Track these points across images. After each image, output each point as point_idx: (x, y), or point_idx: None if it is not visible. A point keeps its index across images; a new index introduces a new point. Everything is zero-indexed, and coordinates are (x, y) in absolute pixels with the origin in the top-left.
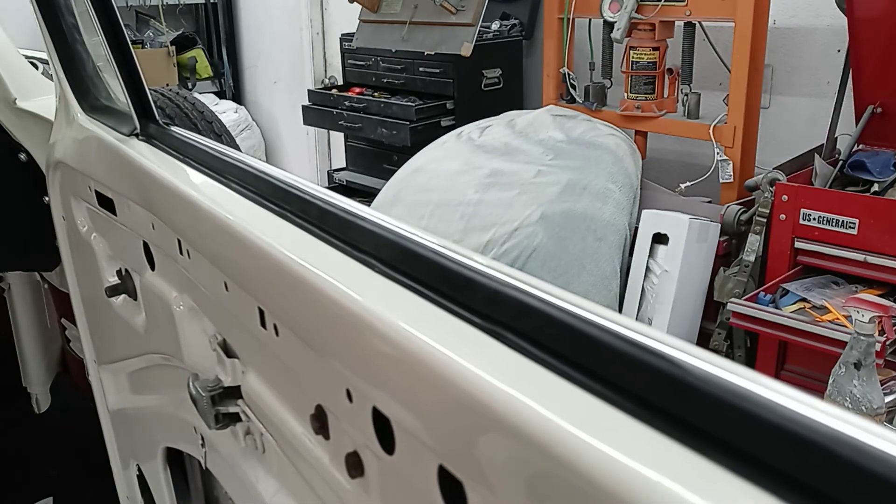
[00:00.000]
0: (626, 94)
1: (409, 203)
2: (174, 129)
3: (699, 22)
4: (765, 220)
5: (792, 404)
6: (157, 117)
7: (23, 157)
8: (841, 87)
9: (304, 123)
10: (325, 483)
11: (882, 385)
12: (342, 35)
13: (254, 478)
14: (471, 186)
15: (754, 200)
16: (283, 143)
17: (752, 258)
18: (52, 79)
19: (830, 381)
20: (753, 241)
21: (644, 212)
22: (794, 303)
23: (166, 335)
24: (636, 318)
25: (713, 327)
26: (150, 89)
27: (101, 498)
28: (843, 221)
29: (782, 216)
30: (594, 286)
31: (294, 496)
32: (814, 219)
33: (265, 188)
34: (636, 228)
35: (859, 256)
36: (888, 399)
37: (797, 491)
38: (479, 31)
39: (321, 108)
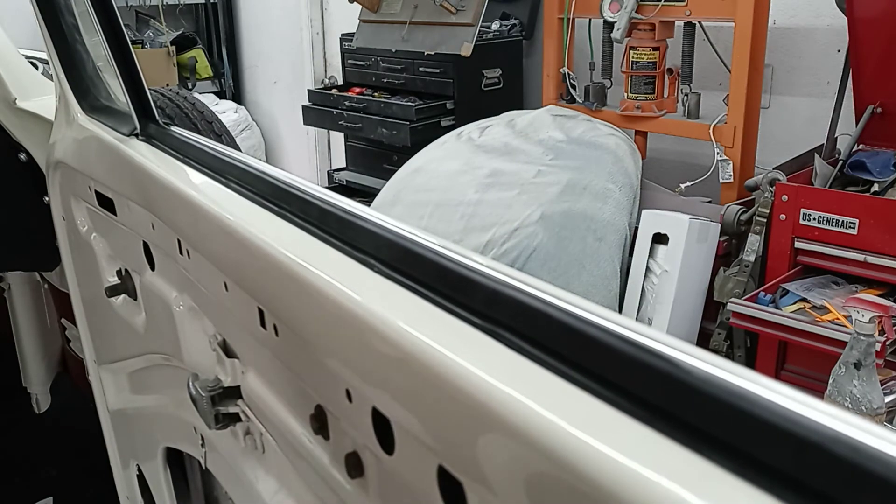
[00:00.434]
0: (626, 94)
1: (409, 203)
2: (174, 129)
3: (699, 22)
4: (765, 220)
5: (792, 404)
6: (157, 117)
7: (23, 157)
8: (841, 87)
9: (304, 123)
10: (324, 483)
11: (882, 385)
12: (342, 35)
13: (254, 478)
14: (471, 186)
15: (754, 200)
16: (283, 143)
17: (752, 258)
18: (52, 79)
19: (830, 381)
20: (753, 241)
21: (644, 212)
22: (794, 303)
23: (166, 335)
24: (636, 318)
25: (713, 327)
26: (150, 89)
27: (101, 498)
28: (843, 221)
29: (782, 216)
30: (594, 286)
31: (294, 496)
32: (814, 219)
33: (265, 188)
34: (636, 228)
35: (859, 256)
36: (888, 399)
37: (797, 491)
38: (479, 31)
39: (321, 108)
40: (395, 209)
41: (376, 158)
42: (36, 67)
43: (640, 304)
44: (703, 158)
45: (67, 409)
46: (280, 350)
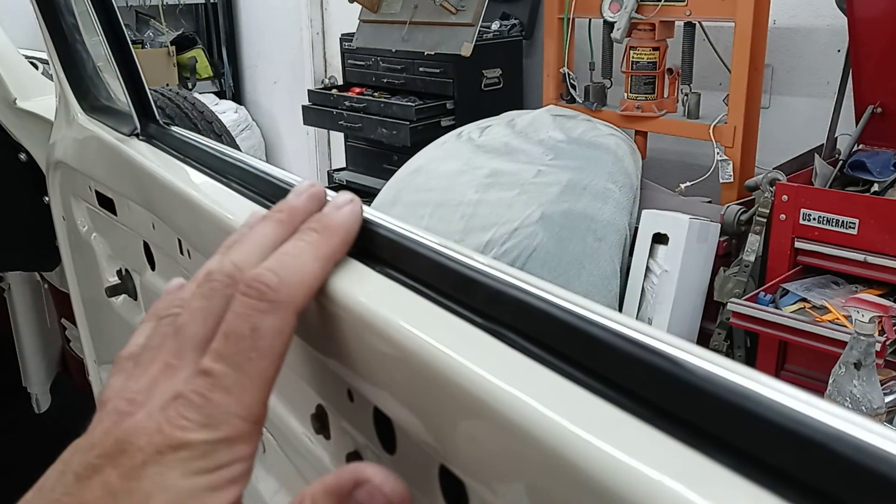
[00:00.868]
0: (626, 94)
1: (409, 203)
2: (174, 129)
3: (699, 22)
4: (765, 220)
5: (794, 403)
6: (157, 117)
7: (23, 157)
8: (841, 87)
9: (304, 123)
10: None
11: (882, 385)
12: (342, 35)
13: (254, 478)
14: (471, 186)
15: (754, 200)
16: (283, 143)
17: (752, 258)
18: (52, 79)
19: (830, 381)
20: (753, 241)
21: (644, 212)
22: (794, 303)
23: None
24: (636, 318)
25: (713, 327)
26: (150, 89)
27: None
28: (843, 221)
29: (782, 216)
30: (594, 286)
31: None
32: (814, 219)
33: (265, 188)
34: (636, 228)
35: (859, 256)
36: (888, 399)
37: (799, 490)
38: (479, 31)
39: (321, 108)
40: (395, 209)
41: (376, 158)
42: (36, 67)
43: (640, 303)
44: (703, 158)
45: (67, 409)
46: None
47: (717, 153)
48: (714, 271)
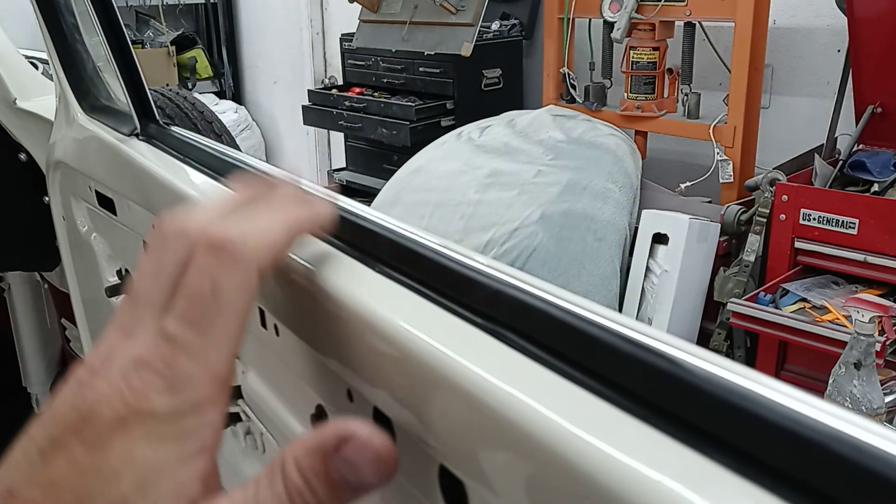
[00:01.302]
0: (626, 94)
1: (409, 203)
2: (174, 129)
3: (699, 22)
4: (765, 220)
5: (794, 404)
6: (157, 117)
7: (23, 157)
8: (841, 87)
9: (304, 123)
10: None
11: (882, 385)
12: (342, 35)
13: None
14: (471, 186)
15: (754, 200)
16: (283, 143)
17: (752, 258)
18: (52, 79)
19: (830, 381)
20: (753, 241)
21: (644, 212)
22: (794, 303)
23: None
24: (636, 318)
25: (713, 327)
26: (150, 89)
27: None
28: (843, 221)
29: (782, 216)
30: (594, 286)
31: None
32: (814, 219)
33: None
34: (636, 228)
35: (859, 256)
36: (888, 399)
37: (797, 490)
38: (479, 31)
39: (321, 108)
40: (395, 209)
41: (376, 158)
42: (36, 67)
43: (640, 303)
44: (703, 158)
45: None
46: (280, 350)
47: (717, 153)
48: (714, 271)
